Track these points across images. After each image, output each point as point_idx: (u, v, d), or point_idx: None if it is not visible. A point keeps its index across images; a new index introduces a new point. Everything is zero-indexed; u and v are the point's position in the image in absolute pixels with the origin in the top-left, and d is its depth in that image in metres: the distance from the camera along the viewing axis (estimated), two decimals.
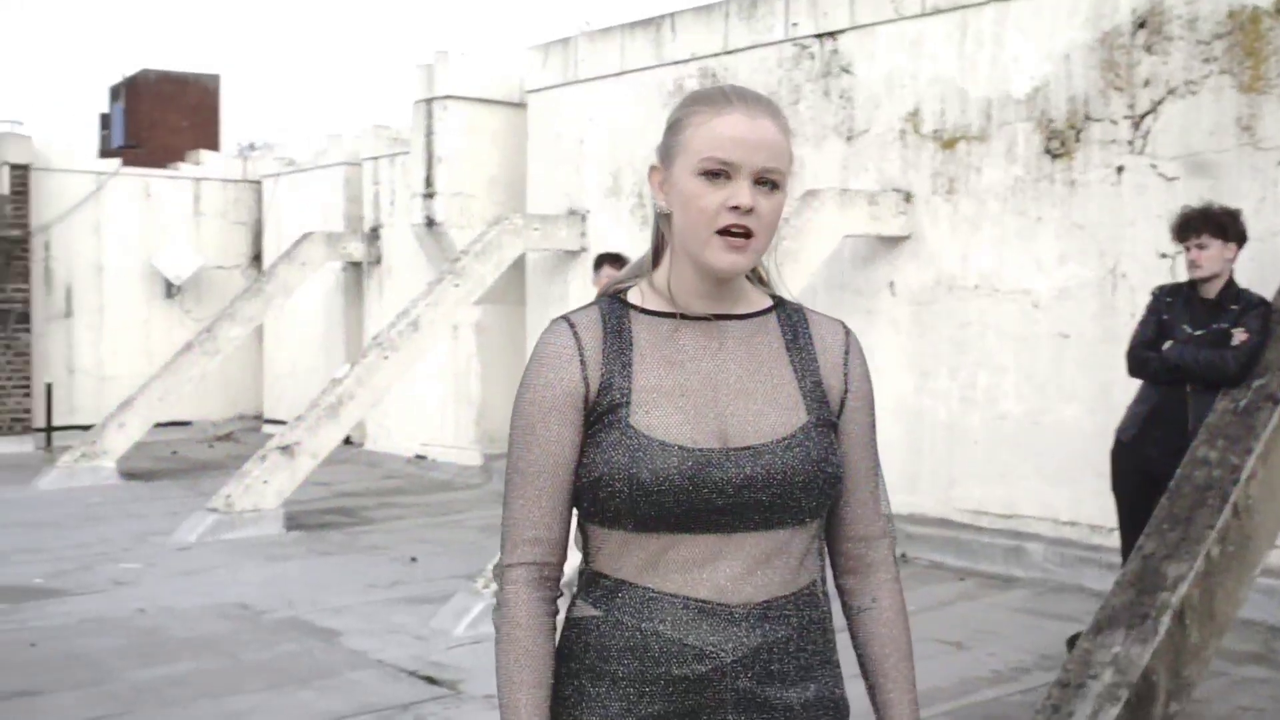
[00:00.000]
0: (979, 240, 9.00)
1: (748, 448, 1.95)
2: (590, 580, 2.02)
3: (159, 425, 14.61)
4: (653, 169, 2.05)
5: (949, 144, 9.18)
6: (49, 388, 15.42)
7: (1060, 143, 8.55)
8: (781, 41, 10.29)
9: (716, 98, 1.98)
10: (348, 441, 14.95)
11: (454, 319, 11.96)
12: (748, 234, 1.94)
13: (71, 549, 9.55)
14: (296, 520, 10.39)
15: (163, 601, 7.92)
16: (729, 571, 1.94)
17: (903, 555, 9.01)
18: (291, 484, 10.32)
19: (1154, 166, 8.10)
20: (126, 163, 17.21)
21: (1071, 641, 6.11)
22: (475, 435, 13.39)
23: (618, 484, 1.91)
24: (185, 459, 14.83)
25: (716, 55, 10.83)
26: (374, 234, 15.33)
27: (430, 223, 13.17)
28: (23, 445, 15.30)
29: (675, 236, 2.02)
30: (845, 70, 9.84)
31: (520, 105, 13.07)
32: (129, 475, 13.00)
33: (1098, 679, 4.78)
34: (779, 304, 2.13)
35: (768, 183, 1.96)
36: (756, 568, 1.95)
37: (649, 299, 2.05)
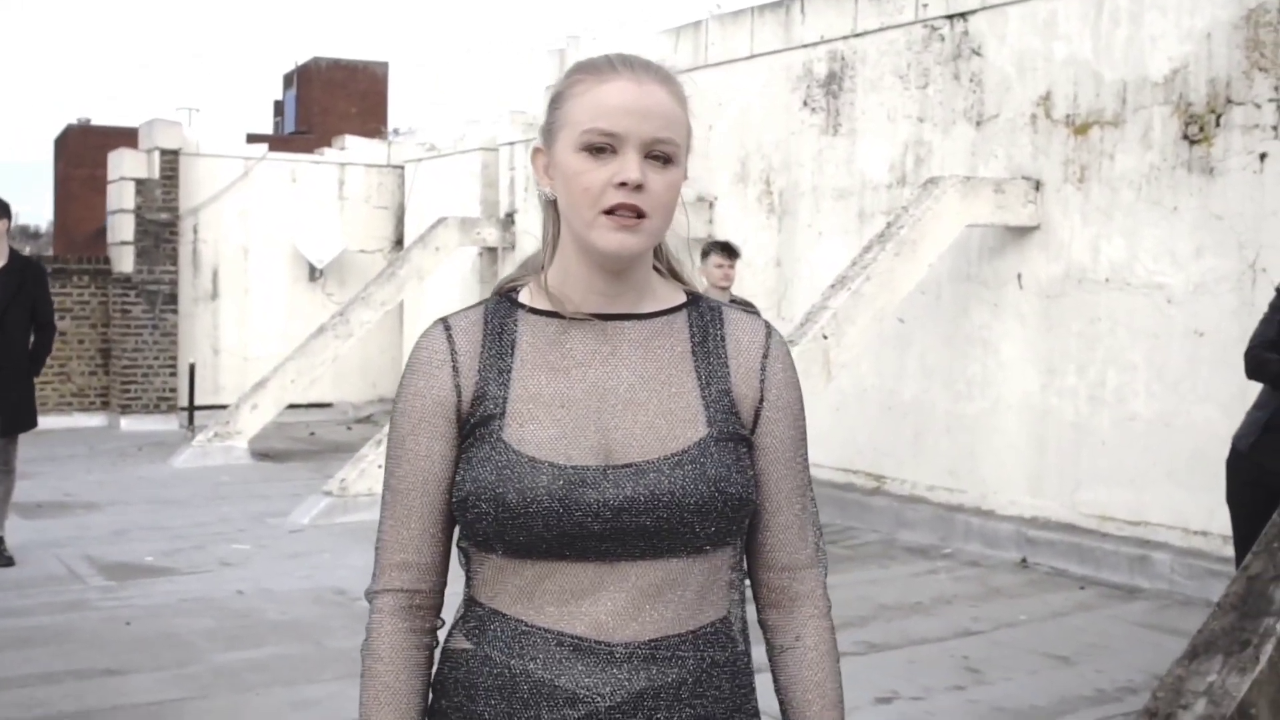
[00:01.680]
0: (1111, 231, 8.53)
1: (629, 465, 1.71)
2: (465, 608, 1.82)
3: (299, 406, 14.86)
4: (535, 151, 1.82)
5: (1081, 129, 8.71)
6: (192, 368, 15.78)
7: (1199, 128, 8.04)
8: (911, 23, 9.91)
9: (601, 65, 1.75)
10: None
11: None
12: (639, 214, 1.71)
13: (190, 528, 9.68)
14: None
15: (263, 584, 7.95)
16: (610, 605, 1.70)
17: (1023, 560, 8.62)
18: None
19: None
20: (297, 149, 17.49)
21: None
22: None
23: (484, 504, 1.71)
24: (321, 441, 15.03)
25: (845, 38, 10.49)
26: (509, 219, 15.31)
27: None
28: (168, 424, 15.70)
29: (561, 224, 1.79)
30: (975, 52, 9.42)
31: None
32: (262, 455, 13.21)
33: (1189, 709, 4.41)
34: (693, 302, 1.88)
35: (660, 157, 1.72)
36: (644, 601, 1.71)
37: (539, 298, 1.83)
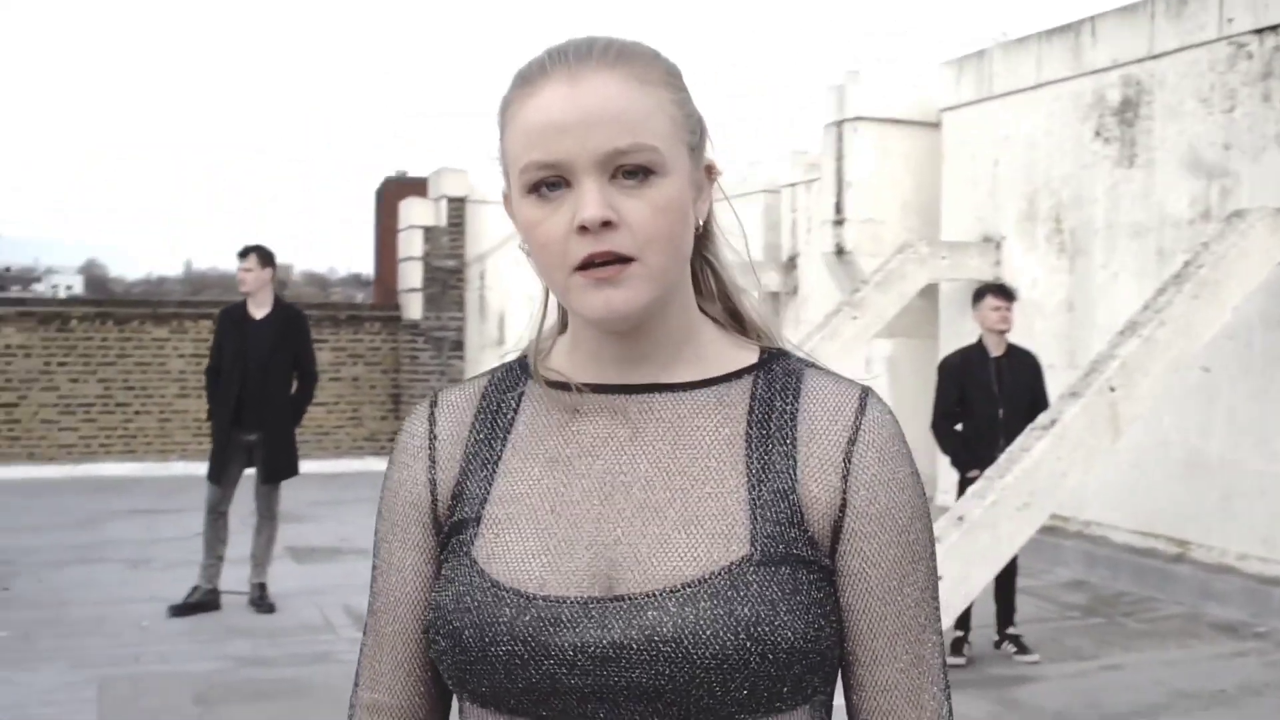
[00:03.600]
0: None
1: (621, 598, 1.21)
2: None
3: None
4: (505, 195, 1.35)
5: None
6: None
7: None
8: (1214, 41, 8.98)
9: (531, 69, 1.26)
10: None
11: (856, 353, 11.29)
12: (621, 259, 1.22)
13: None
14: None
15: None
16: None
17: None
18: None
19: None
20: None
21: None
22: None
23: (442, 640, 1.25)
24: None
25: (1140, 61, 9.62)
26: (791, 263, 14.88)
27: (840, 251, 12.55)
28: None
29: None
30: None
31: (934, 125, 12.24)
32: None
33: None
34: (765, 363, 1.35)
35: (634, 171, 1.22)
36: None
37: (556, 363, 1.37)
